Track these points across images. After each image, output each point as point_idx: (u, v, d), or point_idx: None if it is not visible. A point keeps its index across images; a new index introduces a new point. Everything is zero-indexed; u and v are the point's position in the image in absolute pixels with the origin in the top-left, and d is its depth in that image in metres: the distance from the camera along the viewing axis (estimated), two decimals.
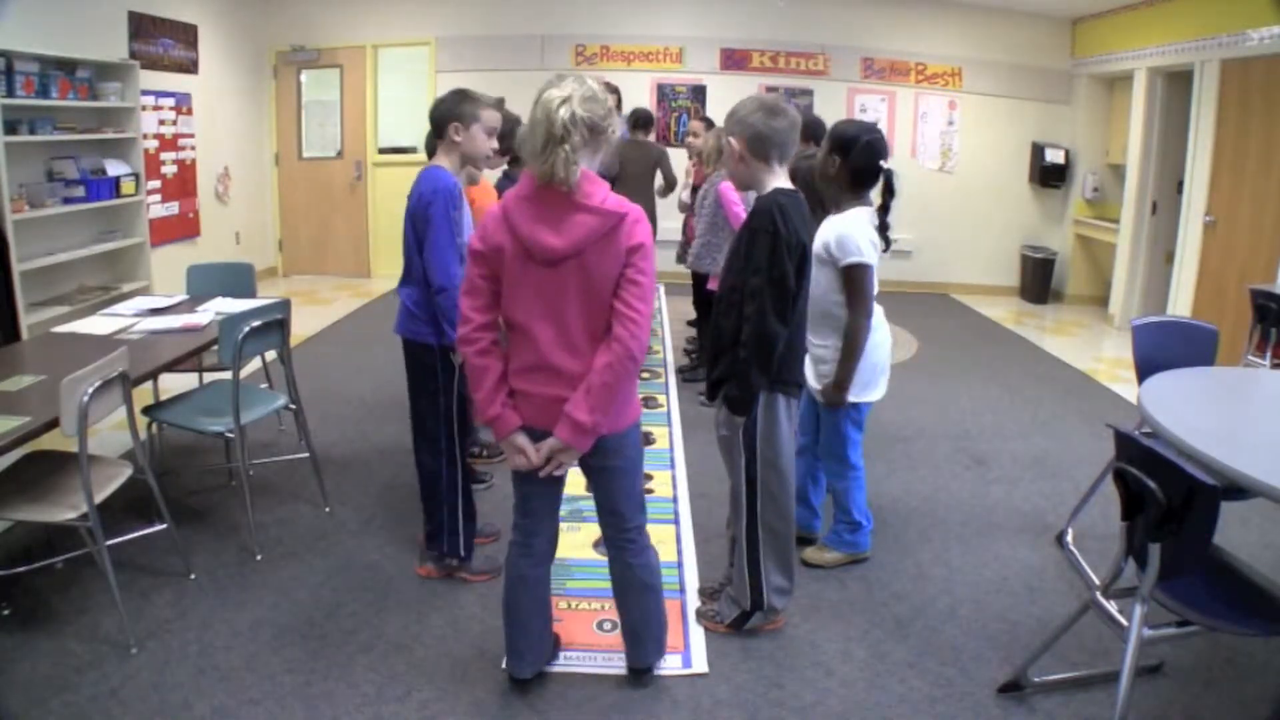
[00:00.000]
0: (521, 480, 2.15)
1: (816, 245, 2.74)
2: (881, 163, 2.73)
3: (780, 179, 2.37)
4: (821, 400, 2.86)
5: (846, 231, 2.68)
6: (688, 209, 5.29)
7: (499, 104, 3.49)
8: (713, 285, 4.46)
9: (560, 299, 1.94)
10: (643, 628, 2.34)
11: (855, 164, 2.71)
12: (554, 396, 1.98)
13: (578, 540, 3.14)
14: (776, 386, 2.38)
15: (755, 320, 2.27)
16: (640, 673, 2.38)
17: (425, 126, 2.86)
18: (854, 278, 2.69)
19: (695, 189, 5.09)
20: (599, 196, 1.93)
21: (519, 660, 2.31)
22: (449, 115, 2.69)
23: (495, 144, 2.83)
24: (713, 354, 2.44)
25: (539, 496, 2.18)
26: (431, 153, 2.79)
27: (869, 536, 3.04)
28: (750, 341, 2.29)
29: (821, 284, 2.72)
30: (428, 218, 2.59)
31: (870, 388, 2.86)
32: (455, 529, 2.78)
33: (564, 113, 1.85)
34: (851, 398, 2.81)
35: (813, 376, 2.87)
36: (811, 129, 3.82)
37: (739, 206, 4.40)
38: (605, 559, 2.45)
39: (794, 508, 2.57)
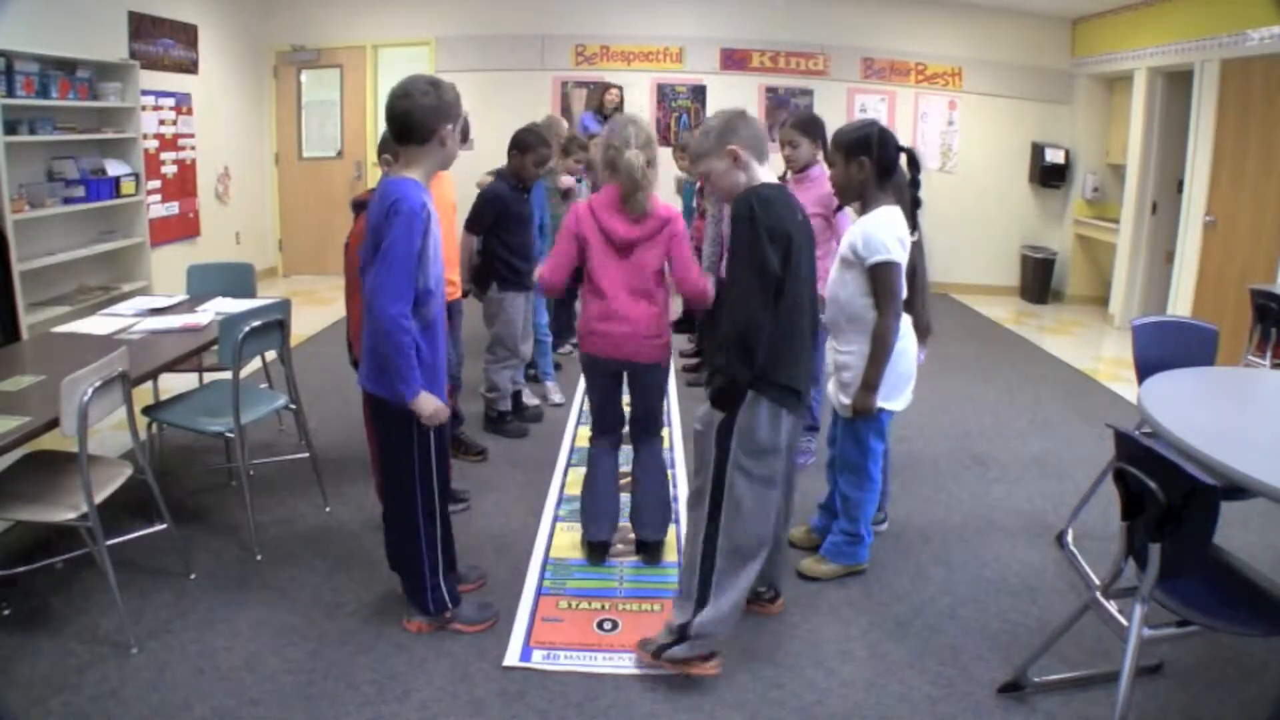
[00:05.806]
0: (593, 391, 2.98)
1: (843, 247, 2.72)
2: (899, 144, 2.70)
3: (765, 174, 2.32)
4: (847, 412, 2.76)
5: (872, 230, 2.62)
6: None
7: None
8: None
9: (627, 271, 2.80)
10: (651, 505, 2.98)
11: (882, 157, 2.64)
12: (622, 334, 2.79)
13: (577, 540, 3.13)
14: (764, 388, 2.22)
15: (735, 307, 2.18)
16: (647, 546, 3.01)
17: None
18: (881, 276, 2.61)
19: (701, 192, 5.11)
20: (654, 206, 2.79)
21: (598, 524, 2.98)
22: (443, 114, 2.22)
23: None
24: (712, 353, 2.42)
25: (607, 401, 2.98)
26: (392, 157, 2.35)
27: (868, 550, 2.97)
28: (730, 329, 2.17)
29: (849, 286, 2.68)
30: (390, 232, 2.13)
31: (896, 395, 2.80)
32: (437, 585, 2.50)
33: (640, 172, 2.71)
34: (879, 403, 2.73)
35: (834, 386, 2.82)
36: (814, 125, 3.77)
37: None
38: None
39: (770, 532, 2.38)
